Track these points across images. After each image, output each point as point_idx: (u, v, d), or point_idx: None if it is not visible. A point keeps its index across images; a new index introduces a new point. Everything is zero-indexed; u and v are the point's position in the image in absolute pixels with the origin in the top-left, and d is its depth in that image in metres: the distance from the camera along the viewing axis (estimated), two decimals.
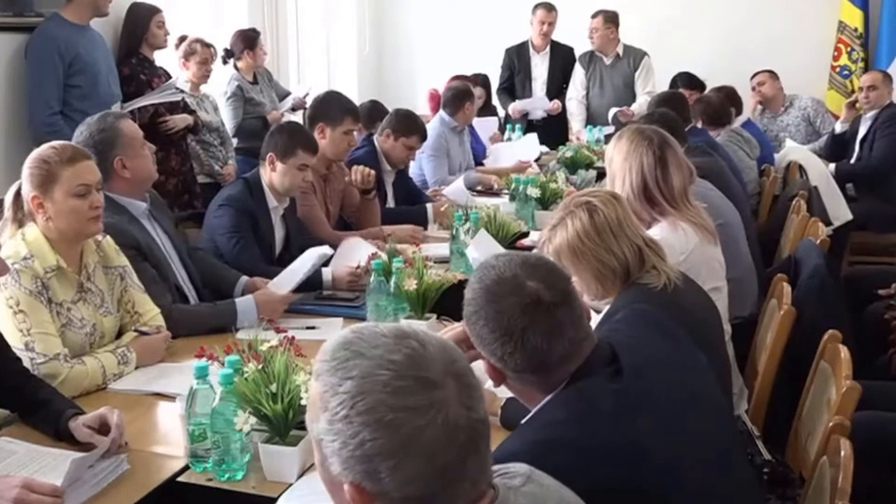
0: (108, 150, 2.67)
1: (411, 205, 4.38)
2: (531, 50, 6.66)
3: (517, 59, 6.66)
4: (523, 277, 1.49)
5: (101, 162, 2.64)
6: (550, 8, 6.54)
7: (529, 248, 3.16)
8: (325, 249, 2.98)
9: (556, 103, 6.55)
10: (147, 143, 2.81)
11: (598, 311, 2.07)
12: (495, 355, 1.49)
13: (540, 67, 6.67)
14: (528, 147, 5.79)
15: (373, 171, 3.87)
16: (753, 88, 6.33)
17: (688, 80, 6.06)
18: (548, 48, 6.65)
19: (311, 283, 3.01)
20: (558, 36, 6.68)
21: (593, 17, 6.48)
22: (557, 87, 6.65)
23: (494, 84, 6.69)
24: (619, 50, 6.52)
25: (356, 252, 3.18)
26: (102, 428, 1.88)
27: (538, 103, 6.56)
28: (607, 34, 6.46)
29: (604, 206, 2.07)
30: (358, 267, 3.06)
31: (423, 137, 4.39)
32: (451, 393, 1.02)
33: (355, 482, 1.01)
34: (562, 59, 6.68)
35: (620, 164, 2.66)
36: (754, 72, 6.37)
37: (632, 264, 2.05)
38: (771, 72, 6.31)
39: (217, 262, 3.06)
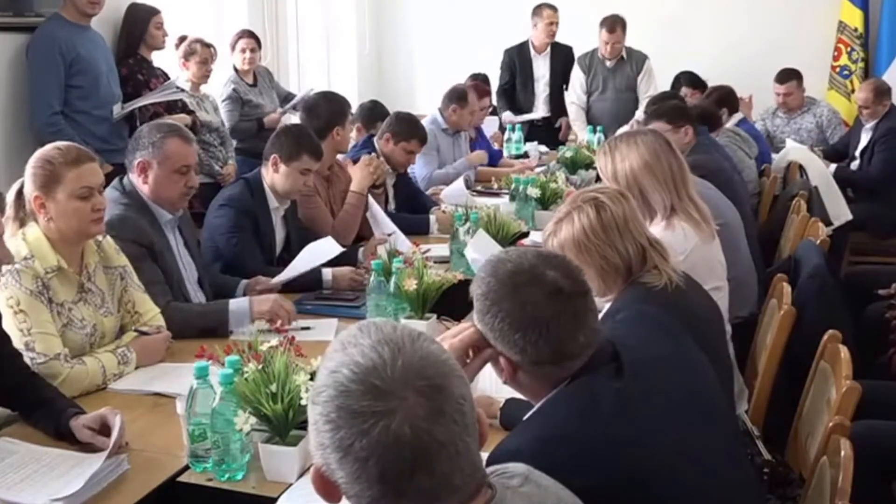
0: (140, 147, 2.70)
1: (412, 206, 4.38)
2: (532, 50, 6.64)
3: (518, 59, 6.63)
4: (542, 268, 1.48)
5: (130, 153, 2.72)
6: (556, 8, 6.51)
7: None
8: (330, 243, 2.98)
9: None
10: (189, 178, 2.71)
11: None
12: (517, 346, 1.46)
13: (542, 68, 6.65)
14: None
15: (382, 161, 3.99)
16: (778, 94, 6.15)
17: (690, 80, 6.06)
18: (548, 48, 6.63)
19: (312, 283, 3.01)
20: (558, 36, 6.66)
21: (610, 30, 6.33)
22: (559, 88, 6.64)
23: (494, 84, 6.66)
24: (623, 52, 6.49)
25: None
26: (103, 429, 1.88)
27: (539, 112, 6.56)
28: (623, 41, 6.43)
29: (611, 203, 2.05)
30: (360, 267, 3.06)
31: (423, 141, 4.37)
32: (405, 406, 0.99)
33: (318, 465, 1.04)
34: (562, 60, 6.65)
35: (641, 170, 2.59)
36: (778, 70, 6.14)
37: (634, 263, 2.05)
38: (799, 79, 6.09)
39: (225, 276, 3.06)
